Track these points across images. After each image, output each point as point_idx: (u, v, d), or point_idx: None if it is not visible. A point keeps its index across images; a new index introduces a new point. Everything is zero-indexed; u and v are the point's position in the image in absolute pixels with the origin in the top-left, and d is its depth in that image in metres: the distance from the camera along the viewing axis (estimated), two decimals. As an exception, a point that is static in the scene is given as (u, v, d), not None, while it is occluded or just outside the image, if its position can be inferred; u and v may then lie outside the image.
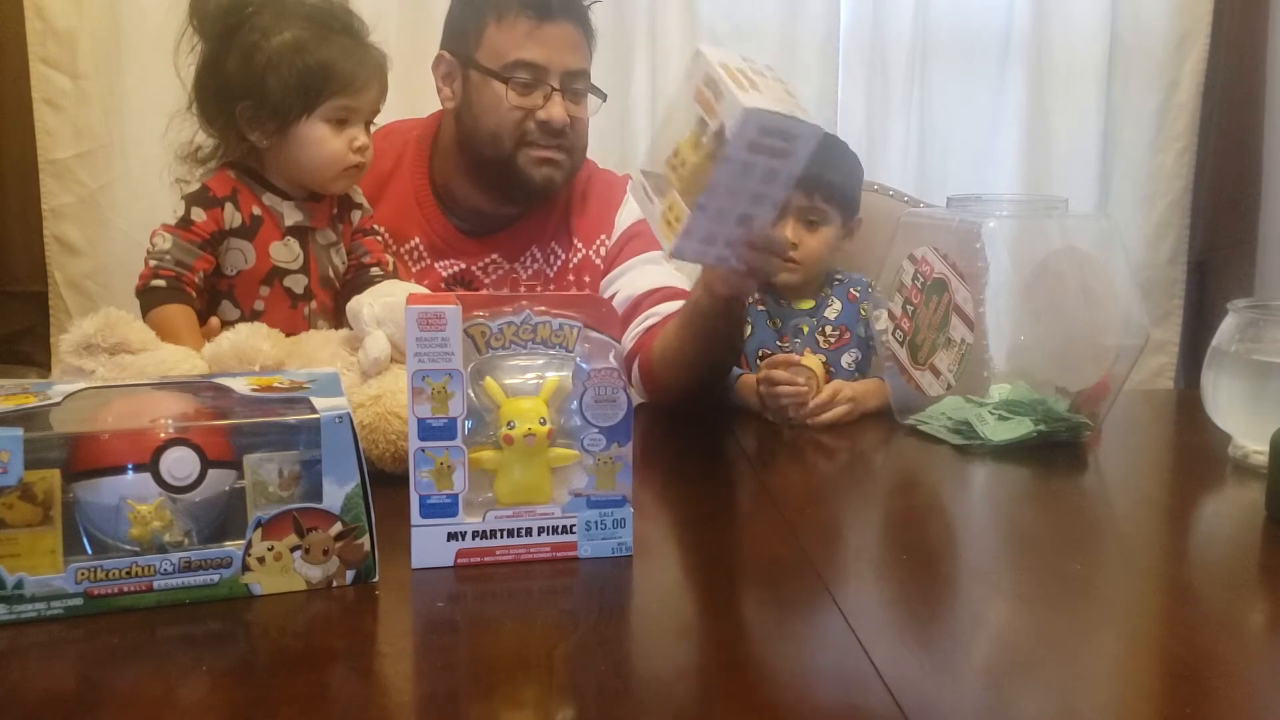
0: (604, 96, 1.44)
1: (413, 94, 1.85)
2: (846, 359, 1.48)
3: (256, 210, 1.17)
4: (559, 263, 1.47)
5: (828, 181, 1.48)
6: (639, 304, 1.41)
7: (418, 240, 1.44)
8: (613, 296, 1.43)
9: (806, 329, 1.50)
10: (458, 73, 1.41)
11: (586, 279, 1.46)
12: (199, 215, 1.14)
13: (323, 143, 1.16)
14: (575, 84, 1.39)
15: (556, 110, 1.37)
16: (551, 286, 1.46)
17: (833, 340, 1.49)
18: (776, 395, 1.32)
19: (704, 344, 1.27)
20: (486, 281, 1.45)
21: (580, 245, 1.47)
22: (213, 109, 1.17)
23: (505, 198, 1.44)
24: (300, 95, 1.14)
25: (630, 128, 2.03)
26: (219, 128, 1.17)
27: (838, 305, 1.51)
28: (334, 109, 1.16)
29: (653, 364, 1.35)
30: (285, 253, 1.18)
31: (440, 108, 1.48)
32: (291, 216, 1.18)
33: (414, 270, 1.44)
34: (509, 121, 1.37)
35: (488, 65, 1.37)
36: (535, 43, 1.36)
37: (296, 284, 1.19)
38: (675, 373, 1.33)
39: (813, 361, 1.35)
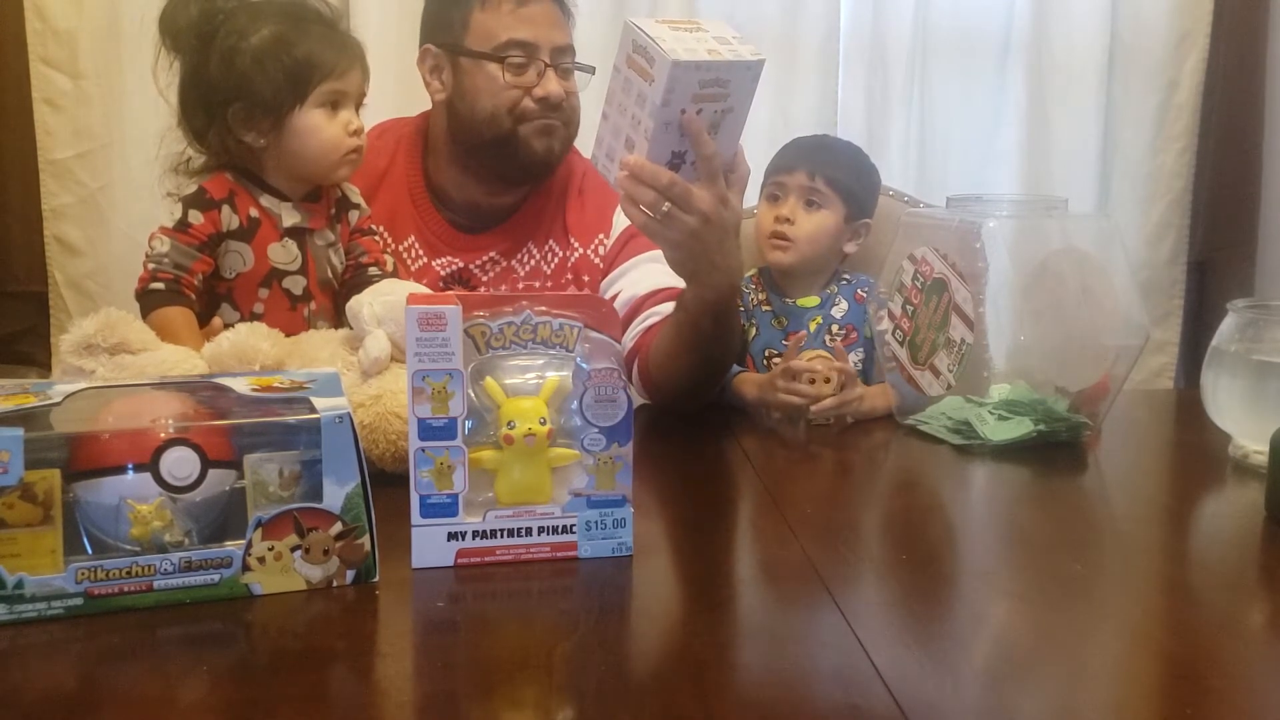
0: (592, 70, 1.44)
1: (412, 93, 1.85)
2: (853, 358, 1.48)
3: (254, 212, 1.17)
4: (556, 260, 1.47)
5: (831, 173, 1.49)
6: (641, 305, 1.41)
7: (413, 238, 1.45)
8: (615, 296, 1.42)
9: (814, 326, 1.50)
10: (445, 63, 1.42)
11: (585, 278, 1.46)
12: (196, 218, 1.14)
13: (320, 130, 1.16)
14: (563, 59, 1.41)
15: (553, 85, 1.39)
16: (549, 284, 1.46)
17: (839, 339, 1.49)
18: (795, 391, 1.32)
19: (694, 343, 1.27)
20: (484, 279, 1.45)
21: (577, 244, 1.46)
22: (202, 119, 1.16)
23: (504, 180, 1.44)
24: (290, 86, 1.14)
25: (630, 128, 2.03)
26: (212, 135, 1.16)
27: (845, 305, 1.51)
28: (324, 94, 1.16)
29: (648, 364, 1.35)
30: (283, 254, 1.18)
31: (427, 106, 1.49)
32: (289, 218, 1.18)
33: (412, 269, 1.44)
34: (506, 101, 1.38)
35: (479, 49, 1.38)
36: (522, 21, 1.38)
37: (295, 285, 1.19)
38: (668, 372, 1.33)
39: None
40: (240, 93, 1.14)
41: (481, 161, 1.43)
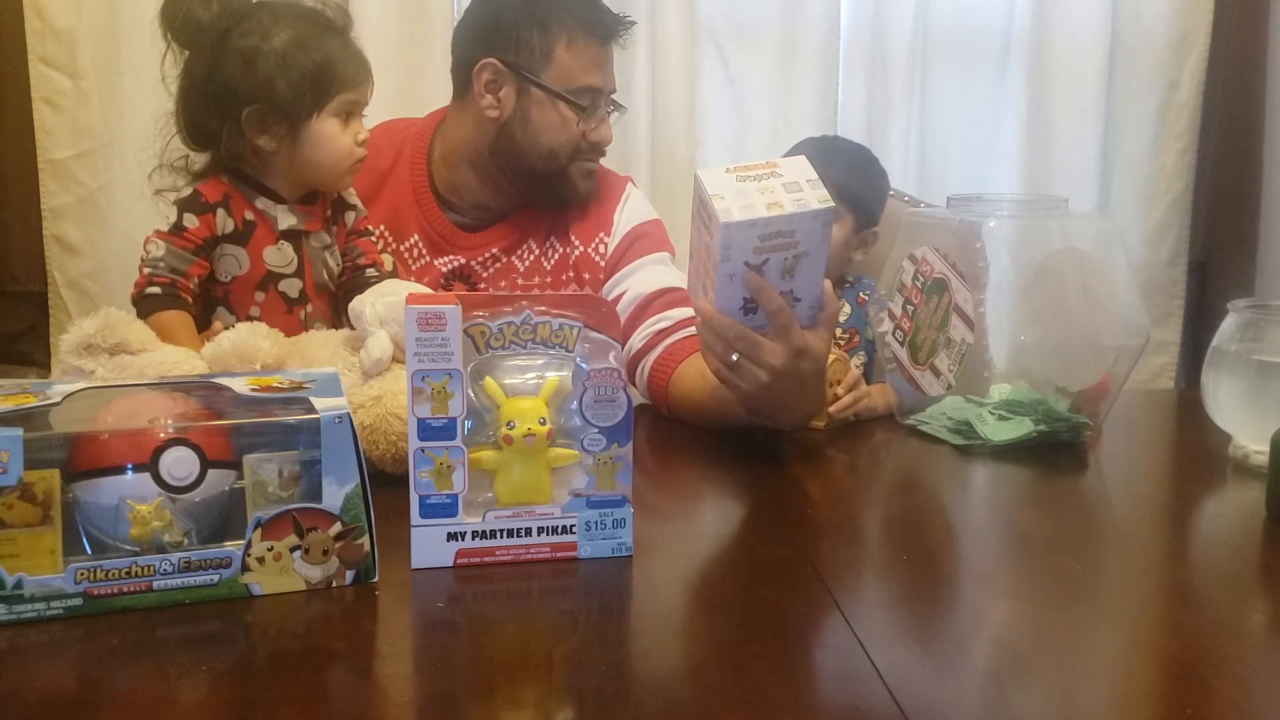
0: (624, 110, 1.48)
1: (412, 94, 1.86)
2: (855, 361, 1.48)
3: (249, 215, 1.16)
4: (557, 256, 1.47)
5: (842, 181, 1.48)
6: (649, 303, 1.42)
7: (417, 237, 1.45)
8: (621, 295, 1.44)
9: None
10: (510, 85, 1.41)
11: (586, 275, 1.46)
12: (191, 221, 1.13)
13: (334, 139, 1.16)
14: (610, 101, 1.45)
15: (608, 132, 1.44)
16: (548, 279, 1.47)
17: (842, 343, 1.49)
18: None
19: (731, 418, 1.26)
20: (484, 275, 1.46)
21: (578, 241, 1.47)
22: (214, 118, 1.14)
23: (531, 201, 1.47)
24: (312, 93, 1.14)
25: (630, 128, 2.03)
26: (224, 136, 1.14)
27: (847, 308, 1.51)
28: (342, 104, 1.16)
29: (671, 397, 1.36)
30: (279, 257, 1.17)
31: (434, 109, 1.50)
32: (285, 220, 1.18)
33: (414, 268, 1.44)
34: (568, 141, 1.41)
35: (556, 88, 1.39)
36: (597, 66, 1.41)
37: (291, 288, 1.18)
38: (689, 414, 1.34)
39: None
40: (259, 95, 1.12)
41: (515, 182, 1.45)
